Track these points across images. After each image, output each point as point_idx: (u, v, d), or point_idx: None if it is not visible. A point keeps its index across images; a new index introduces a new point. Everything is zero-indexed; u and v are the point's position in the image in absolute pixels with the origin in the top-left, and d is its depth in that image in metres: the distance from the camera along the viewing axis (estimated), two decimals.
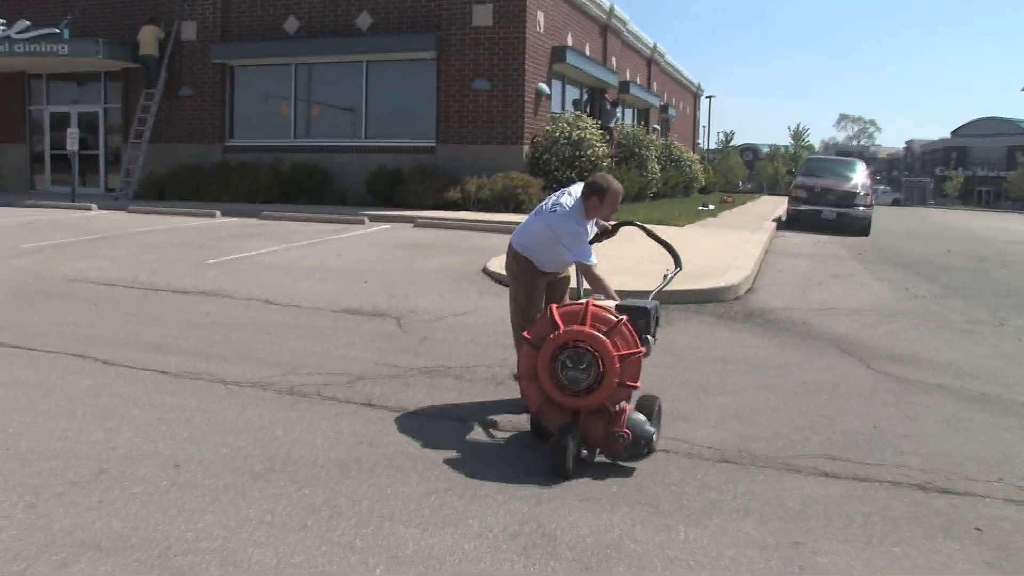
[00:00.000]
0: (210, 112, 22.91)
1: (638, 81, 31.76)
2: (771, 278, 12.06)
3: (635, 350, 4.71)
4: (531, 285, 5.70)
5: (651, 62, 34.68)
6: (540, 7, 20.49)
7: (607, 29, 27.00)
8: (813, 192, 22.12)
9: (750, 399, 6.22)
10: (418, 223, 16.79)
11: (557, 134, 20.35)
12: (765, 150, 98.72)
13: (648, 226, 5.99)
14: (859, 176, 22.98)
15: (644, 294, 5.49)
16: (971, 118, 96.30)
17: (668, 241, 5.85)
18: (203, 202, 20.34)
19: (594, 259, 5.34)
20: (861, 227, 21.30)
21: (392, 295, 9.56)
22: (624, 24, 28.49)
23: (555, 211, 5.42)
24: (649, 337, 5.03)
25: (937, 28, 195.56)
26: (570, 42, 22.87)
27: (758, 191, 70.79)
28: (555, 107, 22.58)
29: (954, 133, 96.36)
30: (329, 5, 21.45)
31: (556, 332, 4.70)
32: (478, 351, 7.25)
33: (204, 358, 6.77)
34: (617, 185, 5.44)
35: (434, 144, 20.81)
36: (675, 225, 18.05)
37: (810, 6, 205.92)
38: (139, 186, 22.21)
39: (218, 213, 18.29)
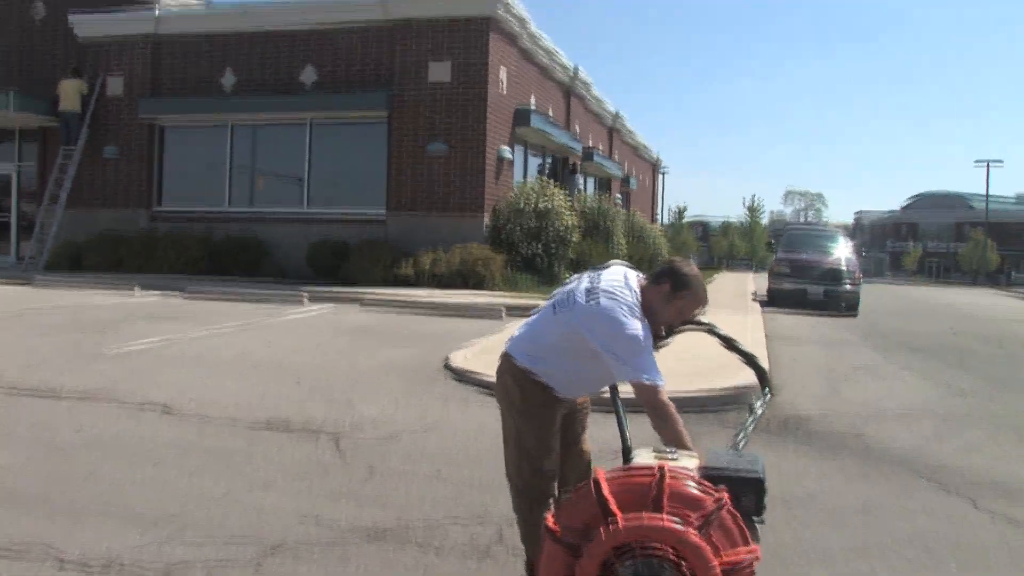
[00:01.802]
0: (136, 174, 20.77)
1: (601, 149, 30.23)
2: (788, 371, 10.15)
3: (746, 555, 2.68)
4: (544, 420, 3.65)
5: (612, 130, 33.27)
6: (503, 64, 18.78)
7: (570, 93, 25.44)
8: (797, 268, 20.51)
9: (850, 574, 4.24)
10: (365, 303, 14.69)
11: (521, 203, 18.48)
12: (715, 224, 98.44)
13: (721, 329, 3.96)
14: (843, 250, 21.57)
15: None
16: (919, 192, 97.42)
17: (749, 351, 3.87)
18: (123, 275, 18.10)
19: (662, 379, 3.33)
20: (850, 305, 19.70)
21: (330, 401, 7.42)
22: (588, 89, 27.00)
23: (595, 300, 3.40)
24: (758, 523, 3.01)
25: (884, 103, 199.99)
26: (533, 104, 21.17)
27: (709, 264, 69.93)
28: (516, 175, 20.78)
29: (904, 207, 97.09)
30: (270, 58, 19.59)
31: (611, 525, 2.65)
32: (447, 494, 5.13)
33: (47, 510, 4.59)
34: (704, 284, 3.57)
35: (384, 213, 18.84)
36: None
37: (757, 83, 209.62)
38: (52, 255, 19.90)
39: (137, 288, 16.06)
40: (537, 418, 3.64)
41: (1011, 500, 5.58)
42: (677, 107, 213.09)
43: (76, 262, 19.48)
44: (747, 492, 2.92)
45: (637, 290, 3.48)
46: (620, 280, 3.51)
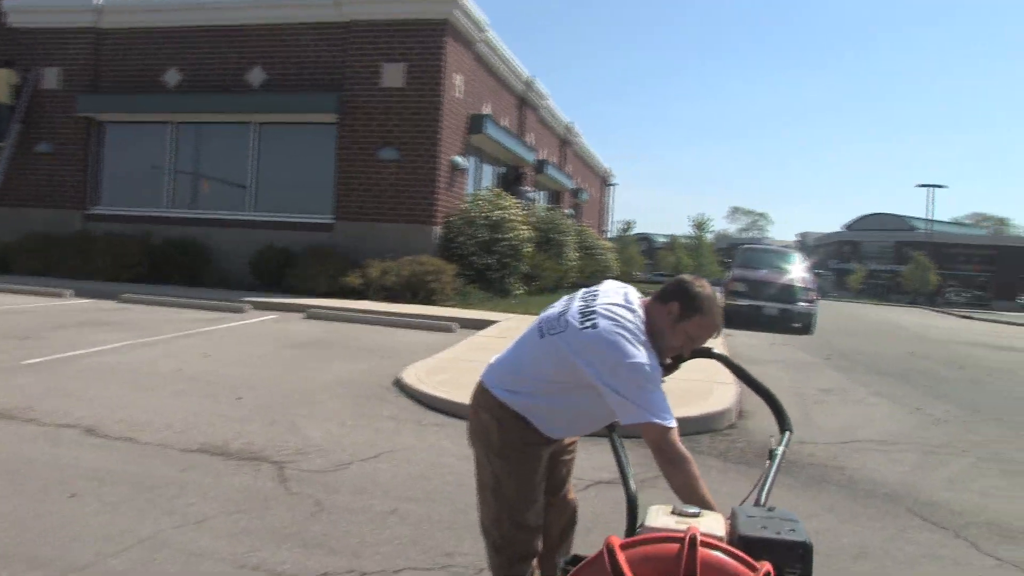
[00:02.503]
0: (71, 173, 19.82)
1: (553, 161, 29.79)
2: (756, 396, 9.71)
3: None
4: (527, 465, 3.09)
5: (565, 143, 32.89)
6: (458, 69, 18.23)
7: (524, 103, 24.98)
8: (752, 285, 20.25)
9: None
10: (311, 313, 14.02)
11: (474, 214, 17.94)
12: (660, 240, 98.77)
13: (733, 360, 3.45)
14: (798, 268, 21.42)
15: None
16: (863, 213, 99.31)
17: (766, 387, 3.37)
18: (55, 278, 17.20)
19: (673, 419, 2.81)
20: (805, 324, 19.50)
21: (273, 422, 6.78)
22: (542, 99, 26.57)
23: (591, 323, 2.86)
24: None
25: (829, 126, 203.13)
26: (488, 112, 20.65)
27: (656, 280, 69.95)
28: (468, 185, 20.23)
29: (847, 227, 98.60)
30: (217, 57, 18.82)
31: None
32: (405, 535, 4.55)
33: None
34: (719, 306, 3.02)
35: (332, 221, 18.17)
36: None
37: (705, 103, 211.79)
38: None
39: (69, 293, 15.22)
40: (519, 462, 3.07)
41: (1012, 542, 5.22)
42: (624, 123, 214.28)
43: (3, 264, 18.49)
44: (792, 562, 2.39)
45: (641, 311, 2.95)
46: (620, 300, 2.96)
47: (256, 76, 18.53)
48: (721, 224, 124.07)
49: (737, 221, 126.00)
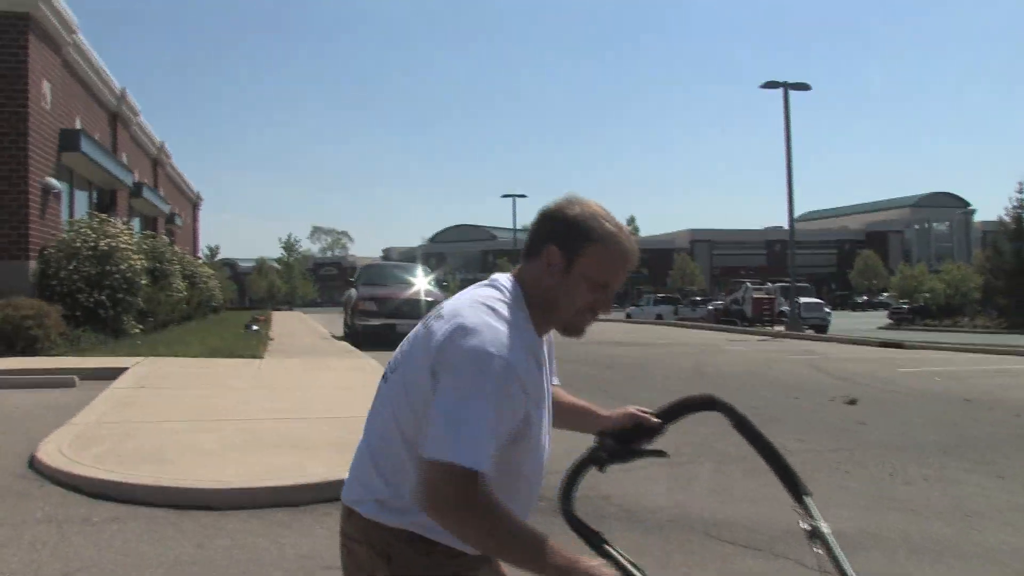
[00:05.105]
0: None
1: (148, 183, 27.21)
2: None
3: None
4: None
5: (157, 163, 30.36)
6: (46, 75, 15.67)
7: (117, 118, 22.42)
8: (383, 303, 19.83)
9: None
10: None
11: (78, 244, 15.49)
12: (245, 265, 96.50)
13: (738, 409, 2.43)
14: (424, 281, 21.55)
15: None
16: (446, 225, 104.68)
17: (774, 445, 2.38)
18: None
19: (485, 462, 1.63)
20: None
21: None
22: (135, 115, 24.10)
23: (434, 316, 1.83)
24: None
25: (408, 143, 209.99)
26: (80, 127, 18.09)
27: (250, 305, 68.02)
28: (63, 213, 17.58)
29: (432, 239, 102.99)
30: None
31: None
32: None
33: None
34: (617, 222, 1.89)
35: None
36: (250, 356, 14.29)
37: (272, 127, 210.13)
38: None
39: None
40: None
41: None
42: (205, 144, 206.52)
43: None
44: None
45: (509, 283, 1.87)
46: (472, 288, 1.90)
47: None
48: (304, 244, 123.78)
49: (319, 240, 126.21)
